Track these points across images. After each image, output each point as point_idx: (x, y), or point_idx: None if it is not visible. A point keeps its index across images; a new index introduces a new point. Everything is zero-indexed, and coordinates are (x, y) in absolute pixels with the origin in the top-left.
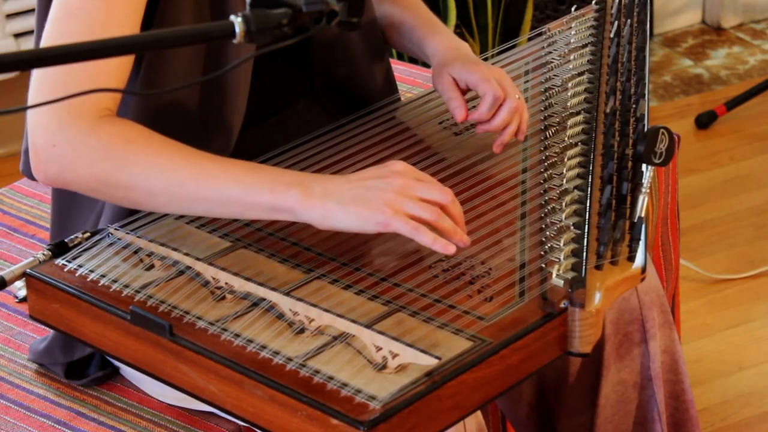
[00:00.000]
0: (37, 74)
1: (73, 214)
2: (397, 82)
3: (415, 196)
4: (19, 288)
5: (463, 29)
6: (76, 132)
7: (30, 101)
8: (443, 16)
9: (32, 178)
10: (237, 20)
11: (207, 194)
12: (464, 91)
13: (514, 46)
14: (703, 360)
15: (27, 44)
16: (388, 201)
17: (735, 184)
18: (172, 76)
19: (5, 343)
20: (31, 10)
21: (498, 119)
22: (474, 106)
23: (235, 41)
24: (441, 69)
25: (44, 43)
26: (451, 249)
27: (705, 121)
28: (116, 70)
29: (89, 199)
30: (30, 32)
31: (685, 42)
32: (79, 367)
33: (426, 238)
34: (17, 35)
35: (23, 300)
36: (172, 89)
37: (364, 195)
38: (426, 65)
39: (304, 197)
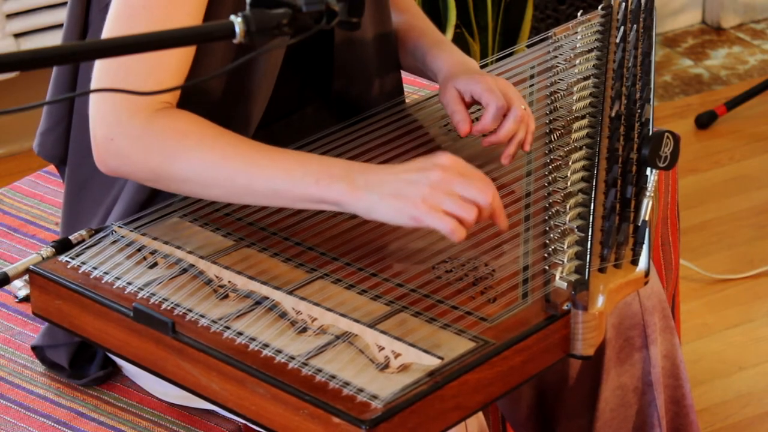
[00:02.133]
0: (99, 64)
1: (83, 211)
2: (403, 84)
3: (453, 192)
4: (19, 288)
5: (463, 29)
6: (132, 127)
7: (93, 88)
8: (443, 17)
9: (45, 158)
10: (237, 20)
11: (257, 187)
12: (469, 105)
13: (513, 53)
14: (702, 360)
15: (27, 44)
16: (424, 196)
17: (735, 184)
18: (204, 72)
19: (5, 343)
20: (31, 10)
21: (503, 129)
22: (477, 118)
23: (235, 41)
24: (446, 83)
25: (107, 37)
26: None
27: (705, 121)
28: (177, 62)
29: (99, 196)
30: (30, 32)
31: (685, 42)
32: (81, 361)
33: (459, 237)
34: (17, 35)
35: (23, 300)
36: (176, 88)
37: (402, 189)
38: None
39: (349, 190)
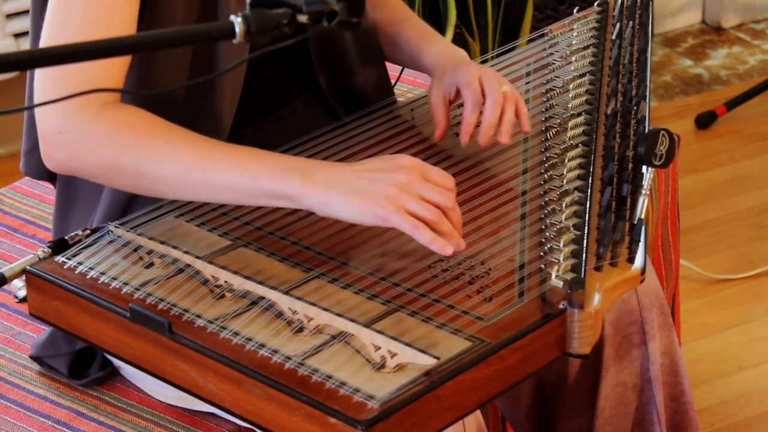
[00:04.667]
0: (40, 69)
1: (75, 212)
2: (398, 82)
3: (417, 194)
4: (19, 288)
5: (463, 29)
6: (80, 119)
7: (35, 94)
8: (443, 17)
9: (33, 177)
10: (237, 20)
11: (210, 180)
12: (454, 100)
13: (513, 48)
14: (702, 360)
15: (27, 44)
16: (390, 196)
17: (735, 184)
18: (162, 70)
19: (5, 343)
20: None
21: (485, 118)
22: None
23: (235, 41)
24: (434, 80)
25: (45, 33)
26: (448, 250)
27: (705, 121)
28: (116, 66)
29: (90, 197)
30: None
31: (685, 42)
32: (81, 365)
33: (425, 237)
34: (17, 35)
35: (23, 300)
36: (173, 88)
37: (366, 187)
38: None
39: (306, 184)
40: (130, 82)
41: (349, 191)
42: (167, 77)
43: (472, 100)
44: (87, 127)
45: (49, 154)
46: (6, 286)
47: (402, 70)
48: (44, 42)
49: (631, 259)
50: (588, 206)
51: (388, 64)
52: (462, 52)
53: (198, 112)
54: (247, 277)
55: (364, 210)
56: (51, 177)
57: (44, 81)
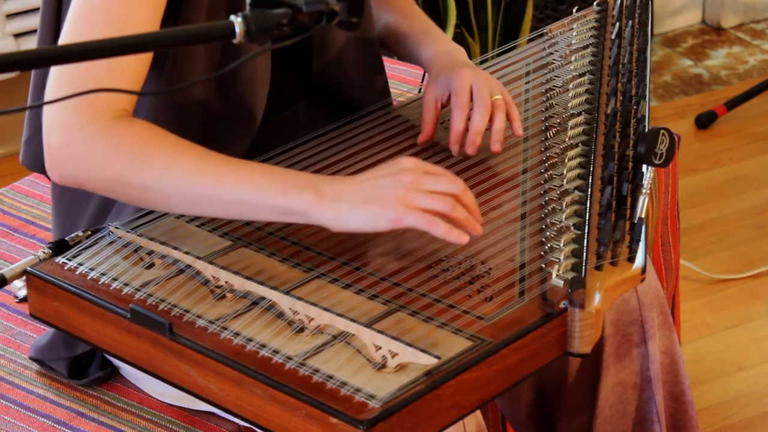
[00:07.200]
0: (54, 71)
1: (73, 213)
2: (397, 82)
3: (425, 189)
4: (19, 288)
5: (463, 29)
6: (90, 132)
7: (47, 98)
8: (443, 16)
9: (32, 169)
10: (237, 20)
11: (219, 196)
12: (446, 103)
13: (513, 48)
14: (702, 360)
15: (27, 44)
16: (399, 197)
17: (735, 184)
18: (192, 74)
19: (5, 343)
20: (31, 10)
21: (473, 125)
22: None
23: (235, 41)
24: (430, 81)
25: (63, 42)
26: (464, 239)
27: (705, 121)
28: (134, 69)
29: (88, 198)
30: (30, 32)
31: (685, 42)
32: (81, 366)
33: (440, 230)
34: (17, 35)
35: (23, 300)
36: (175, 88)
37: (374, 194)
38: None
39: (316, 200)
40: (160, 87)
41: (358, 201)
42: (195, 80)
43: (460, 108)
44: (97, 140)
45: (56, 167)
46: (6, 286)
47: (423, 74)
48: (62, 41)
49: (631, 259)
50: (588, 205)
51: (401, 64)
52: (460, 51)
53: (230, 110)
54: (248, 278)
55: (376, 216)
56: (44, 170)
57: (57, 83)
